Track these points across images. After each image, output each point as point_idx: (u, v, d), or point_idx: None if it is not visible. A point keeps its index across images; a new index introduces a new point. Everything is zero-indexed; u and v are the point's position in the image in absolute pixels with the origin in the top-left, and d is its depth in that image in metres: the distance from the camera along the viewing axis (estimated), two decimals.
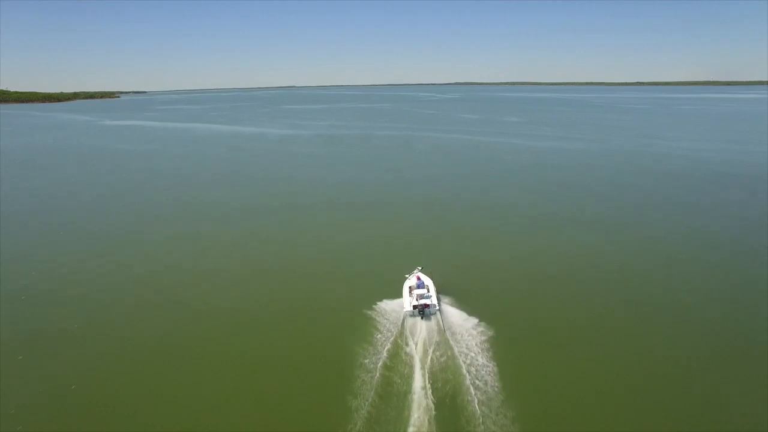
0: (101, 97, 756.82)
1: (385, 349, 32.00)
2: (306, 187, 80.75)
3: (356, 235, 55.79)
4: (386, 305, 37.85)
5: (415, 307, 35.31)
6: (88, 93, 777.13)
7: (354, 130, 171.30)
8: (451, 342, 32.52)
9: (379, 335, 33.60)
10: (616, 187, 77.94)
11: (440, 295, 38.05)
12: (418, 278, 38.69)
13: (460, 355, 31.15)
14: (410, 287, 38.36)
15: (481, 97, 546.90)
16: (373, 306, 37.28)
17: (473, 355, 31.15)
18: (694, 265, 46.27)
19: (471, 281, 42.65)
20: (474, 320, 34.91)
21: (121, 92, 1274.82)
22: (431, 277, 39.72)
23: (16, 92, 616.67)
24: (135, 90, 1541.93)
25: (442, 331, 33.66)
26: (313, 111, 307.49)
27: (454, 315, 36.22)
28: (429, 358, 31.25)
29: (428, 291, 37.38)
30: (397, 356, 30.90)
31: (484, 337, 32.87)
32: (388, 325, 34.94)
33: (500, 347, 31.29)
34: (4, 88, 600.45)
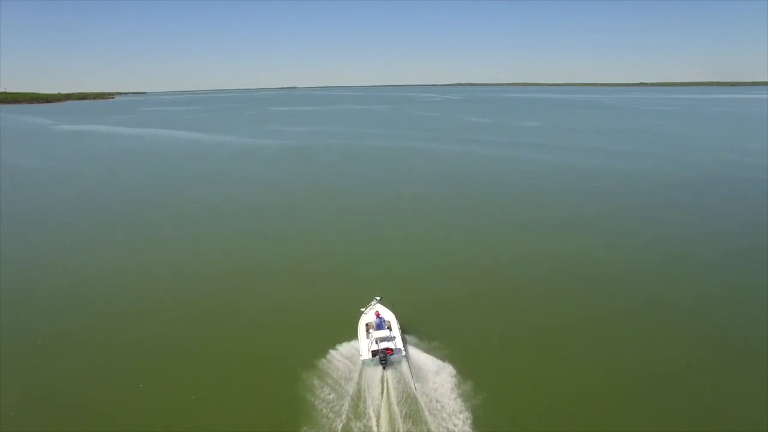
0: (94, 98, 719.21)
1: (339, 417, 23.21)
2: (226, 243, 49.67)
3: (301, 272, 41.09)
4: (341, 351, 28.06)
5: (374, 353, 25.87)
6: (80, 94, 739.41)
7: (339, 140, 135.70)
8: (421, 402, 23.71)
9: (331, 395, 24.41)
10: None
11: (405, 335, 29.21)
12: (377, 314, 28.78)
13: (434, 418, 22.78)
14: (368, 325, 28.66)
15: (484, 97, 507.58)
16: (322, 357, 27.35)
17: (453, 422, 22.69)
18: None
19: (444, 314, 33.26)
20: (449, 367, 26.09)
21: (121, 93, 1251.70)
22: (392, 310, 30.42)
23: (4, 93, 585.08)
24: (135, 91, 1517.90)
25: (410, 385, 24.78)
26: (302, 114, 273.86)
27: (425, 361, 27.07)
28: (397, 424, 22.63)
29: (391, 330, 27.61)
30: (354, 425, 22.60)
31: (463, 392, 24.34)
32: (341, 381, 25.47)
33: (484, 404, 23.58)
34: (3, 89, 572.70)
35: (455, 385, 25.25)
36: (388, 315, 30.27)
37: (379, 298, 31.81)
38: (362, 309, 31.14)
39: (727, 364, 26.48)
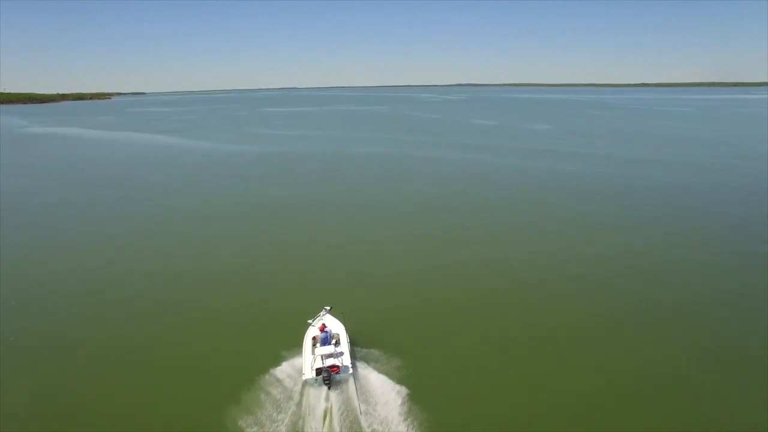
0: (91, 99, 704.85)
1: None
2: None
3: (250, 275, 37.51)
4: (283, 369, 24.73)
5: (318, 372, 23.04)
6: (77, 94, 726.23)
7: (328, 146, 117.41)
8: (365, 426, 20.95)
9: (267, 420, 21.45)
10: None
11: (356, 349, 26.14)
12: (322, 328, 25.54)
13: None
14: (314, 339, 25.63)
15: (486, 98, 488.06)
16: (262, 375, 24.06)
17: None
18: None
19: (403, 327, 29.64)
20: (401, 387, 22.85)
21: (120, 93, 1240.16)
22: (343, 322, 27.22)
23: (2, 93, 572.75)
24: (134, 91, 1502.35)
25: (356, 408, 21.82)
26: (296, 115, 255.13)
27: (375, 380, 23.70)
28: None
29: (337, 345, 24.86)
30: None
31: (415, 415, 21.31)
32: (280, 403, 22.38)
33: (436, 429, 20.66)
34: (3, 89, 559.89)
35: (407, 407, 22.05)
36: (336, 327, 26.95)
37: (328, 308, 28.57)
38: (310, 321, 27.67)
39: (726, 364, 24.50)
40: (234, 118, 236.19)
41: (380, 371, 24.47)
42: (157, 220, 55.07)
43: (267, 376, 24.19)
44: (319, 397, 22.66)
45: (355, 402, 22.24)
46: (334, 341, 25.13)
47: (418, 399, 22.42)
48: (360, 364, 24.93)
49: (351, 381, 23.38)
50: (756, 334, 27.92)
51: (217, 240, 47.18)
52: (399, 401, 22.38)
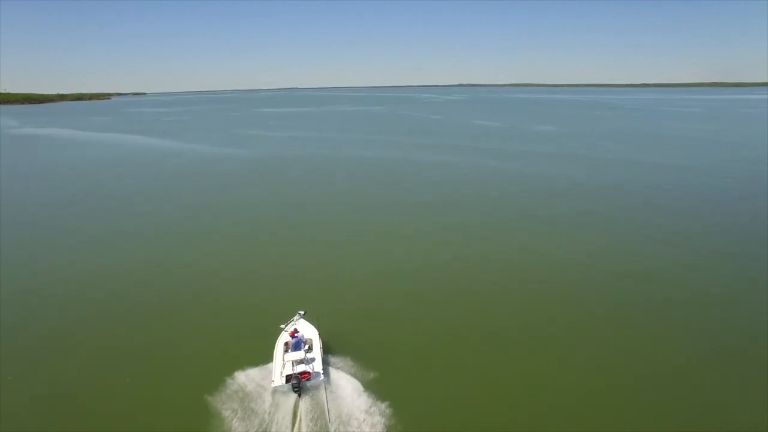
0: (90, 99, 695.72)
1: None
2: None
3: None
4: (252, 375, 23.43)
5: (288, 378, 22.03)
6: (77, 95, 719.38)
7: (318, 148, 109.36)
8: None
9: (233, 429, 20.20)
10: None
11: (330, 354, 25.18)
12: (293, 333, 24.57)
13: None
14: (286, 345, 24.43)
15: (488, 98, 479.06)
16: (229, 382, 22.79)
17: None
18: None
19: (380, 332, 28.21)
20: (374, 394, 21.80)
21: (120, 93, 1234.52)
22: (317, 327, 26.06)
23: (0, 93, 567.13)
24: (135, 91, 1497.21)
25: (326, 416, 20.78)
26: (292, 116, 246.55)
27: (348, 386, 22.60)
28: None
29: (309, 351, 23.71)
30: None
31: (390, 424, 20.21)
32: (247, 412, 21.10)
33: None
34: (4, 90, 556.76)
35: (379, 414, 20.91)
36: (309, 332, 25.57)
37: (302, 312, 26.94)
38: (282, 325, 25.92)
39: (726, 364, 23.92)
40: (228, 119, 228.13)
41: (354, 378, 23.35)
42: (121, 224, 51.82)
43: (235, 384, 23.03)
44: (289, 405, 21.61)
45: (325, 410, 21.18)
46: (306, 347, 23.95)
47: (391, 406, 21.40)
48: (333, 371, 23.90)
49: (322, 388, 22.30)
50: (756, 334, 27.08)
51: (189, 244, 44.72)
52: (370, 408, 21.30)
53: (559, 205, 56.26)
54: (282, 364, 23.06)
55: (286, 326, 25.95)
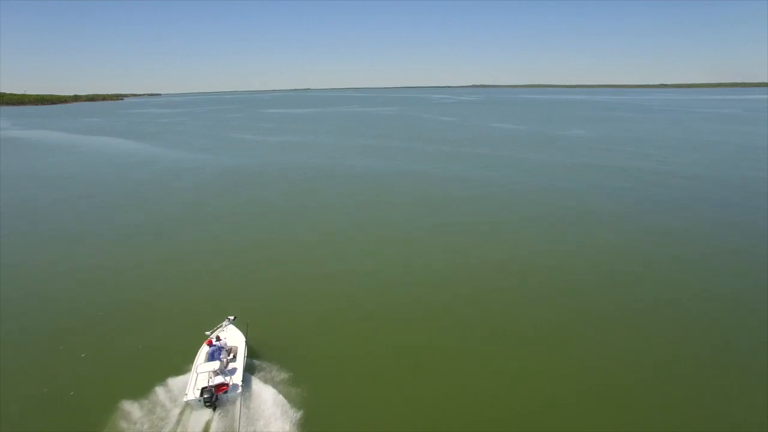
0: (103, 99, 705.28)
1: None
2: None
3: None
4: (169, 387, 21.30)
5: (202, 392, 19.56)
6: (90, 96, 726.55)
7: (308, 156, 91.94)
8: None
9: None
10: None
11: (255, 365, 22.99)
12: (211, 342, 22.34)
13: None
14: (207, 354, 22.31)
15: (502, 99, 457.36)
16: (142, 396, 20.80)
17: None
18: None
19: (319, 338, 26.20)
20: (299, 410, 19.74)
21: (135, 94, 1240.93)
22: (245, 333, 24.09)
23: (10, 94, 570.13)
24: (150, 92, 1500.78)
25: None
26: (294, 117, 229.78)
27: (269, 401, 20.34)
28: None
29: (233, 361, 21.98)
30: None
31: None
32: (153, 430, 19.04)
33: None
34: (23, 91, 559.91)
35: (299, 429, 19.10)
36: (236, 340, 23.67)
37: (232, 318, 25.47)
38: (208, 332, 24.07)
39: (726, 364, 23.09)
40: (225, 120, 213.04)
41: (277, 390, 21.07)
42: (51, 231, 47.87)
43: (144, 399, 20.73)
44: (200, 421, 19.41)
45: (236, 428, 18.94)
46: (231, 355, 22.20)
47: (313, 419, 19.60)
48: (256, 382, 21.59)
49: (240, 402, 20.05)
50: (756, 334, 25.44)
51: (133, 252, 40.88)
52: (292, 423, 19.37)
53: (632, 241, 40.09)
54: (196, 375, 20.67)
55: (212, 333, 23.83)
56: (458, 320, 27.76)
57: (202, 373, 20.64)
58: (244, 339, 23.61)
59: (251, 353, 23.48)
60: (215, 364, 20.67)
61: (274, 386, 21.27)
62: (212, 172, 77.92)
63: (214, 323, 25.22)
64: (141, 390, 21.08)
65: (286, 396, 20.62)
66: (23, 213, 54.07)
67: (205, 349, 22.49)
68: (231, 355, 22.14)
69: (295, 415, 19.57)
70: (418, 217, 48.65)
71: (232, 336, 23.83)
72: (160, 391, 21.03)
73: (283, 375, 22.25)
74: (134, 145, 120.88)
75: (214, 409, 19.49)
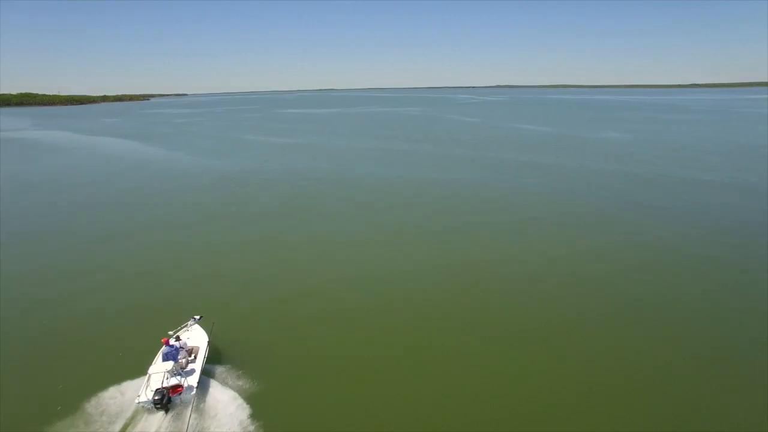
0: (130, 100, 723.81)
1: None
2: None
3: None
4: (122, 390, 20.49)
5: (155, 394, 18.88)
6: (117, 96, 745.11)
7: (314, 161, 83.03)
8: None
9: None
10: None
11: (217, 367, 21.95)
12: (167, 341, 21.34)
13: None
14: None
15: (529, 99, 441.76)
16: (93, 397, 19.98)
17: None
18: None
19: (287, 340, 25.04)
20: (253, 414, 18.84)
21: (163, 95, 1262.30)
22: (209, 333, 23.27)
23: (42, 95, 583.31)
24: (176, 92, 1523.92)
25: None
26: (310, 117, 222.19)
27: (221, 403, 19.63)
28: None
29: (188, 362, 21.04)
30: None
31: None
32: None
33: None
34: (57, 92, 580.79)
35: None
36: (198, 340, 22.78)
37: (197, 317, 24.61)
38: (170, 332, 23.00)
39: (727, 364, 22.31)
40: (239, 120, 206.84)
41: (236, 392, 20.26)
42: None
43: (98, 400, 19.92)
44: (150, 423, 18.72)
45: (185, 428, 18.23)
46: (192, 356, 21.52)
47: (274, 426, 18.58)
48: (214, 384, 20.81)
49: (193, 404, 19.30)
50: (756, 334, 24.64)
51: (111, 252, 39.18)
52: (245, 428, 18.47)
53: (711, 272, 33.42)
54: (149, 377, 19.95)
55: (174, 332, 23.06)
56: (455, 320, 26.78)
57: (154, 374, 19.76)
58: (207, 339, 22.77)
59: (216, 354, 22.72)
60: (168, 365, 19.94)
61: (234, 388, 20.40)
62: (204, 176, 71.86)
63: (182, 323, 24.40)
64: (95, 391, 20.35)
65: (245, 399, 19.72)
66: None
67: (162, 350, 21.37)
68: (192, 356, 21.43)
69: (251, 419, 18.70)
70: (415, 219, 46.48)
71: (195, 336, 23.11)
72: (115, 392, 20.25)
73: (246, 377, 21.31)
74: (136, 146, 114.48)
75: (167, 411, 18.79)
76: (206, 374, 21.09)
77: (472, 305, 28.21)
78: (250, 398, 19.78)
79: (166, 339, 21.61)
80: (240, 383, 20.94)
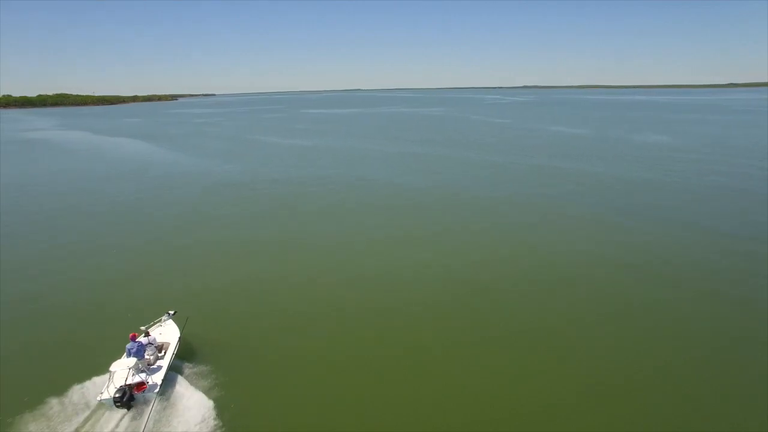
0: (159, 100, 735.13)
1: None
2: None
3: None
4: (85, 387, 19.56)
5: (117, 391, 17.99)
6: (147, 96, 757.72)
7: (324, 166, 73.81)
8: None
9: None
10: None
11: (189, 365, 21.16)
12: (134, 337, 20.33)
13: None
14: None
15: (558, 100, 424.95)
16: (56, 394, 19.16)
17: None
18: None
19: (260, 338, 24.02)
20: (210, 418, 17.81)
21: (192, 95, 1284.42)
22: (182, 329, 22.52)
23: (75, 95, 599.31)
24: (205, 93, 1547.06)
25: None
26: (331, 117, 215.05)
27: (183, 402, 18.66)
28: None
29: (155, 359, 20.35)
30: None
31: None
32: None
33: None
34: (91, 93, 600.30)
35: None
36: (169, 336, 21.99)
37: (171, 312, 23.90)
38: (143, 327, 22.47)
39: (726, 364, 21.69)
40: (259, 120, 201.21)
41: (204, 391, 19.33)
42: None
43: (62, 398, 19.03)
44: (110, 421, 17.92)
45: (142, 427, 17.51)
46: (162, 352, 20.97)
47: (241, 426, 17.78)
48: (182, 382, 19.89)
49: (154, 404, 18.50)
50: (756, 334, 24.01)
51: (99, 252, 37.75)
52: (209, 427, 17.66)
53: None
54: (110, 373, 19.21)
55: (147, 328, 22.67)
56: (454, 321, 25.61)
57: (116, 371, 19.00)
58: (178, 335, 22.10)
59: (189, 352, 22.16)
60: (130, 361, 19.26)
61: (201, 388, 19.66)
62: (202, 179, 66.21)
63: (142, 319, 24.24)
64: (59, 388, 19.60)
65: (212, 398, 18.94)
66: None
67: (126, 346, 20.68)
68: (162, 352, 20.89)
69: (214, 419, 17.93)
70: (416, 221, 44.72)
71: (167, 332, 22.50)
72: (79, 389, 19.45)
73: (216, 377, 20.47)
74: (143, 148, 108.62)
75: (128, 409, 18.12)
76: (175, 371, 20.40)
77: (472, 305, 27.25)
78: (217, 398, 18.97)
79: (133, 334, 20.56)
80: (209, 382, 20.09)
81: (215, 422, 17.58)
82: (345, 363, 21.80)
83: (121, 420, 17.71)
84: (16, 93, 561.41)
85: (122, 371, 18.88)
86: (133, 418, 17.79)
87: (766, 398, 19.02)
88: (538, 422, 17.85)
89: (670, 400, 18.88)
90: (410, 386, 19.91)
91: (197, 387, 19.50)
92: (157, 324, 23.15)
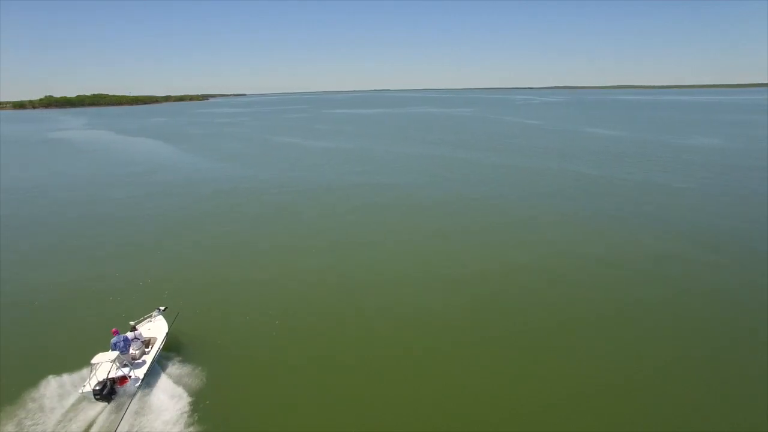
0: (191, 100, 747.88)
1: None
2: None
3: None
4: (66, 380, 19.39)
5: (97, 384, 17.95)
6: (179, 96, 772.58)
7: (339, 173, 67.94)
8: None
9: None
10: None
11: (182, 359, 21.07)
12: (116, 332, 20.24)
13: None
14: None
15: (592, 100, 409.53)
16: (32, 387, 19.02)
17: None
18: None
19: (250, 336, 23.61)
20: (187, 414, 17.49)
21: (223, 95, 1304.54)
22: (170, 325, 22.47)
23: (111, 95, 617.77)
24: (236, 93, 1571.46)
25: (118, 429, 16.59)
26: (356, 118, 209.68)
27: (163, 398, 18.34)
28: None
29: (141, 354, 20.25)
30: None
31: None
32: (32, 424, 17.07)
33: None
34: (129, 92, 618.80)
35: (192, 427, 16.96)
36: (156, 331, 21.99)
37: (162, 308, 24.05)
38: (132, 322, 21.81)
39: (726, 364, 21.33)
40: (282, 120, 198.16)
41: (185, 387, 19.05)
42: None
43: (41, 389, 18.88)
44: (88, 414, 17.87)
45: (118, 422, 17.27)
46: (149, 347, 21.01)
47: (222, 422, 17.50)
48: (164, 377, 19.79)
49: (134, 397, 18.51)
50: (756, 334, 23.68)
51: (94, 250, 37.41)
52: (187, 422, 17.34)
53: None
54: (92, 366, 19.19)
55: (136, 323, 22.33)
56: (454, 320, 25.22)
57: (100, 364, 18.94)
58: (166, 330, 22.09)
59: (177, 349, 22.02)
60: (112, 355, 19.00)
61: (184, 384, 19.32)
62: (211, 181, 63.31)
63: (133, 314, 24.37)
64: (41, 380, 19.54)
65: (193, 395, 18.69)
66: None
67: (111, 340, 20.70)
68: (150, 347, 20.96)
69: (193, 416, 17.63)
70: (418, 223, 43.44)
71: (156, 327, 22.54)
72: (62, 381, 19.48)
73: (201, 374, 20.11)
74: (157, 148, 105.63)
75: (109, 402, 18.13)
76: (160, 367, 20.29)
77: (472, 305, 26.64)
78: (199, 395, 18.71)
79: (115, 329, 20.31)
80: (193, 379, 19.72)
81: (193, 418, 17.39)
82: (338, 364, 21.33)
83: (100, 413, 17.71)
84: (57, 93, 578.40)
85: (106, 365, 18.80)
86: (112, 412, 17.74)
87: (766, 398, 18.65)
88: (538, 422, 17.56)
89: (670, 400, 18.60)
90: (410, 386, 19.59)
91: (179, 383, 19.32)
92: (147, 319, 23.18)
